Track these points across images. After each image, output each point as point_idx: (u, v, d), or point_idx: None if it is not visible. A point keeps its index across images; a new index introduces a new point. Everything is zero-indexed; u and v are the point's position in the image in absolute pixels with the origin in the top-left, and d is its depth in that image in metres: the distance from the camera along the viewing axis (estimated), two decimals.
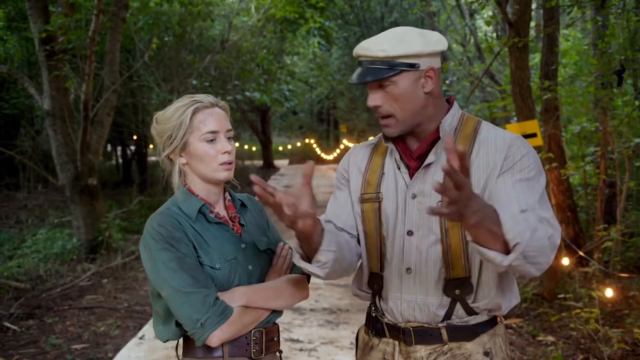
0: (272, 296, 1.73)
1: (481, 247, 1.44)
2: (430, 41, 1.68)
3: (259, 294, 1.71)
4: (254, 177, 1.44)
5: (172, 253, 1.63)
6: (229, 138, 1.74)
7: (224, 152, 1.72)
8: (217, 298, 1.62)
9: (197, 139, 1.71)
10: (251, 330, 1.70)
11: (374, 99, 1.70)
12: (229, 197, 1.85)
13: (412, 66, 1.66)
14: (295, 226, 1.52)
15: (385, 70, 1.65)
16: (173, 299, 1.61)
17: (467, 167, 1.31)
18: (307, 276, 1.84)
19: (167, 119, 1.73)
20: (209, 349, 1.66)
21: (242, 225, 1.81)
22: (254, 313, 1.69)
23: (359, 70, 1.72)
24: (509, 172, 1.65)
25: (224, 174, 1.73)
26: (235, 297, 1.67)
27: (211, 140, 1.71)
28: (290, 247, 1.85)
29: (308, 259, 1.67)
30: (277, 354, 1.81)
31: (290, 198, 1.48)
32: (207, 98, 1.75)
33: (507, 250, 1.43)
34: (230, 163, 1.73)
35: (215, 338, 1.60)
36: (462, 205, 1.31)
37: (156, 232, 1.66)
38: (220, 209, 1.80)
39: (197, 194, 1.76)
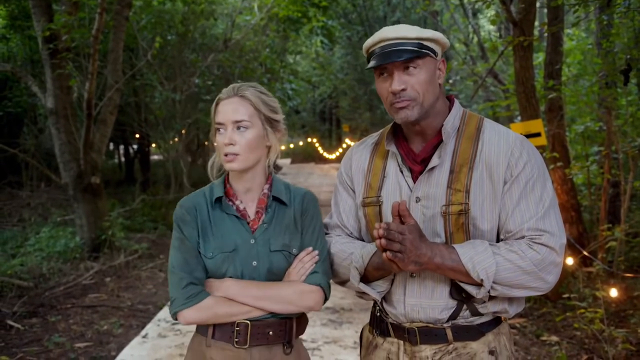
0: (264, 296, 1.73)
1: (459, 282, 1.64)
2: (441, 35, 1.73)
3: (249, 290, 1.73)
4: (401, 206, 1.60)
5: (178, 233, 1.78)
6: (239, 128, 1.76)
7: (226, 144, 1.75)
8: (192, 283, 1.71)
9: (214, 129, 1.80)
10: (236, 321, 1.75)
11: (400, 81, 1.67)
12: (266, 191, 1.85)
13: (434, 53, 1.69)
14: (407, 266, 1.58)
15: (416, 51, 1.66)
16: (168, 273, 1.78)
17: (410, 223, 1.58)
18: (323, 289, 1.80)
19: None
20: (203, 326, 1.79)
21: (263, 222, 1.81)
22: (233, 307, 1.73)
23: (379, 55, 1.69)
24: (514, 184, 1.66)
25: (227, 165, 1.77)
26: (221, 287, 1.74)
27: (221, 131, 1.78)
28: (317, 255, 1.81)
29: (363, 279, 1.76)
30: (282, 347, 1.79)
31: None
32: (229, 89, 1.80)
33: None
34: (234, 154, 1.75)
35: (182, 318, 1.72)
36: (406, 256, 1.55)
37: (177, 211, 1.82)
38: (245, 200, 1.83)
39: (230, 183, 1.84)
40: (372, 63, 1.69)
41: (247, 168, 1.78)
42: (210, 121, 1.83)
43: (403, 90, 1.67)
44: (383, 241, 1.54)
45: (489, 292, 1.62)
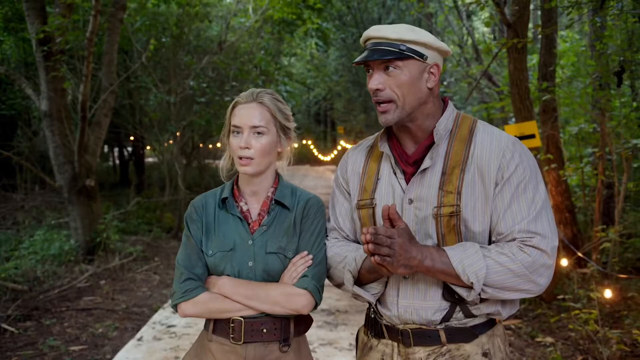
0: (253, 296, 1.78)
1: (450, 284, 1.64)
2: (438, 40, 1.72)
3: (240, 289, 1.78)
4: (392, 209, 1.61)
5: (186, 230, 1.90)
6: (257, 134, 1.82)
7: (241, 148, 1.81)
8: (190, 279, 1.81)
9: (229, 131, 1.86)
10: (231, 318, 1.80)
11: (377, 81, 1.69)
12: (270, 195, 1.90)
13: (421, 56, 1.68)
14: (397, 269, 1.58)
15: (395, 52, 1.66)
16: (175, 267, 1.88)
17: (400, 226, 1.58)
18: (312, 294, 1.80)
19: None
20: (207, 321, 1.90)
21: (262, 224, 1.86)
22: (226, 303, 1.79)
23: (365, 52, 1.72)
24: (505, 186, 1.66)
25: (242, 168, 1.83)
26: (217, 284, 1.81)
27: (236, 134, 1.83)
28: (312, 259, 1.83)
29: (357, 282, 1.77)
30: (278, 344, 1.82)
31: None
32: (248, 94, 1.85)
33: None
34: (249, 158, 1.81)
35: (180, 310, 1.82)
36: (396, 259, 1.54)
37: (188, 208, 1.93)
38: (250, 202, 1.90)
39: (238, 184, 1.91)
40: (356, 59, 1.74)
41: (259, 172, 1.85)
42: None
43: (378, 89, 1.69)
44: (370, 246, 1.55)
45: (479, 294, 1.62)
